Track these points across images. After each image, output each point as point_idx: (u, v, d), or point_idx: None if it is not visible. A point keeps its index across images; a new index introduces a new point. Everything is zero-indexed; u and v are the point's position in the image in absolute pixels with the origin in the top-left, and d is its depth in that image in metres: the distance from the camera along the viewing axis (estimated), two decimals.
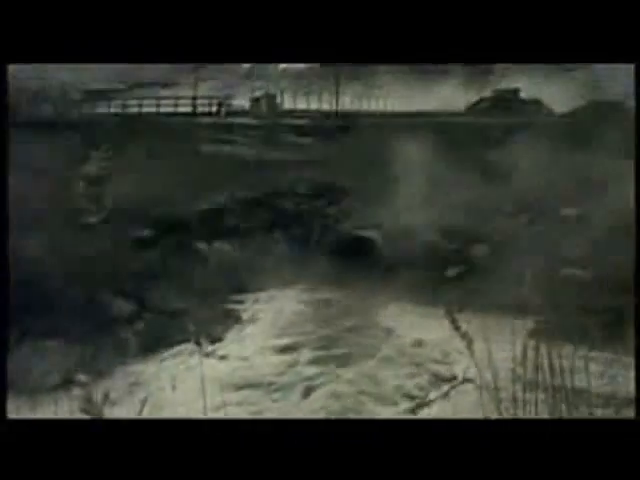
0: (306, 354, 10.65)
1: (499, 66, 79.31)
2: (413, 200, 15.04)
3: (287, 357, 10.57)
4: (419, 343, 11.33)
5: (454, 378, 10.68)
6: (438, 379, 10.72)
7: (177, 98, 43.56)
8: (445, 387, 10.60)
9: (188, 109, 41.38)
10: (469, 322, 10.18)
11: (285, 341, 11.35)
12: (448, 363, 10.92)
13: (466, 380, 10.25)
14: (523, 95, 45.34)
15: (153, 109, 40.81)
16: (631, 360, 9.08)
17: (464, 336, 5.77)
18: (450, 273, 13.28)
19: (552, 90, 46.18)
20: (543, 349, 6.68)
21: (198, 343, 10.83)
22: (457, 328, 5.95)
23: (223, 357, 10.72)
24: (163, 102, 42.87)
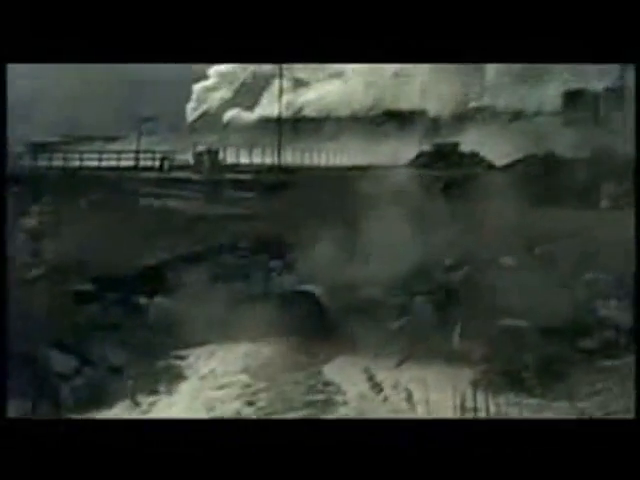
0: (245, 410, 10.56)
1: (443, 122, 79.93)
2: (354, 253, 15.13)
3: (221, 412, 10.46)
4: (362, 396, 11.32)
5: None
6: None
7: (119, 152, 43.49)
8: None
9: (130, 163, 41.29)
10: (410, 374, 10.22)
11: (221, 394, 11.26)
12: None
13: None
14: (463, 148, 46.08)
15: (95, 163, 40.65)
16: (562, 405, 9.21)
17: (380, 391, 5.82)
18: (394, 326, 13.34)
19: (491, 143, 46.95)
20: (480, 397, 6.76)
21: (135, 400, 10.70)
22: (374, 386, 6.02)
23: (160, 413, 10.57)
24: (105, 156, 42.75)
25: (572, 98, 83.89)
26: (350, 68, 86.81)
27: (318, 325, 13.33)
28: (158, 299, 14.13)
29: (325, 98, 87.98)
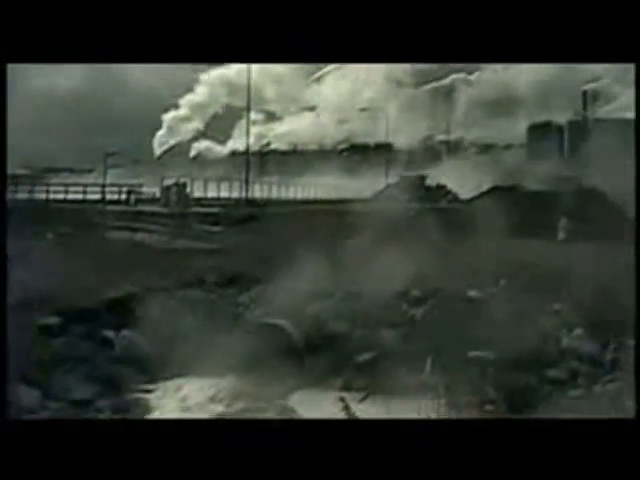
0: None
1: (411, 155, 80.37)
2: (322, 287, 15.17)
3: None
4: None
5: None
6: None
7: (86, 185, 43.33)
8: None
9: (97, 196, 41.16)
10: (377, 408, 10.27)
11: None
12: None
13: None
14: (429, 182, 46.45)
15: (61, 196, 40.47)
16: None
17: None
18: (360, 359, 13.36)
19: (458, 176, 47.45)
20: None
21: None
22: (350, 415, 6.05)
23: None
24: (71, 189, 42.56)
25: (537, 131, 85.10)
26: (322, 101, 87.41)
27: (286, 358, 13.32)
28: (125, 332, 14.04)
29: (296, 132, 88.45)
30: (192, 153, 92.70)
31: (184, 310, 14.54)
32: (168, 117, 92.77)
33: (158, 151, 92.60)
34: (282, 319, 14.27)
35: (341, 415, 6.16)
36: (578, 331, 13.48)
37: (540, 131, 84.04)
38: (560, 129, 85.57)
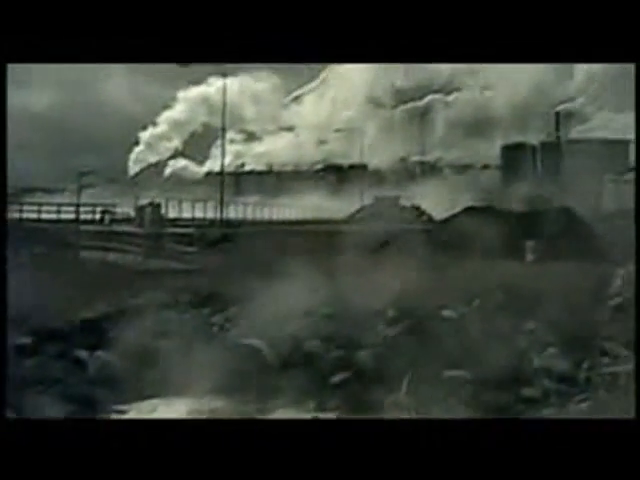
0: None
1: (385, 176, 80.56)
2: (297, 308, 15.17)
3: None
4: None
5: None
6: None
7: (60, 205, 43.11)
8: None
9: (71, 216, 40.93)
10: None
11: None
12: None
13: None
14: (404, 202, 46.64)
15: (34, 215, 40.23)
16: None
17: None
18: (335, 380, 13.35)
19: (432, 197, 47.69)
20: None
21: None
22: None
23: None
24: (45, 208, 42.33)
25: (511, 152, 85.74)
26: (300, 121, 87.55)
27: (261, 378, 13.29)
28: (98, 353, 13.95)
29: (273, 152, 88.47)
30: (167, 173, 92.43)
31: (158, 331, 14.47)
32: (146, 135, 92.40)
33: (133, 171, 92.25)
34: (257, 339, 14.25)
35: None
36: (552, 350, 13.56)
37: (513, 152, 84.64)
38: (533, 150, 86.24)
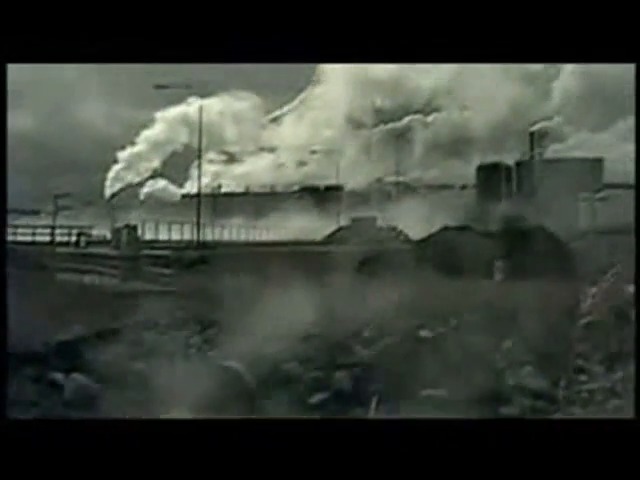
0: None
1: (362, 197, 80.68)
2: (275, 329, 15.16)
3: None
4: None
5: None
6: None
7: (35, 227, 42.89)
8: None
9: (47, 238, 40.73)
10: None
11: None
12: None
13: None
14: (380, 223, 46.78)
15: (10, 237, 39.98)
16: None
17: None
18: (313, 400, 13.34)
19: (409, 217, 47.86)
20: None
21: None
22: None
23: None
24: (20, 231, 42.11)
25: (486, 172, 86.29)
26: (280, 142, 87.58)
27: (239, 400, 13.25)
28: (74, 375, 13.85)
29: (253, 173, 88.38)
30: (144, 194, 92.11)
31: (136, 353, 14.41)
32: (123, 156, 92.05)
33: (109, 192, 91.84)
34: (236, 361, 14.22)
35: None
36: (528, 368, 13.64)
37: (489, 172, 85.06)
38: (508, 169, 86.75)
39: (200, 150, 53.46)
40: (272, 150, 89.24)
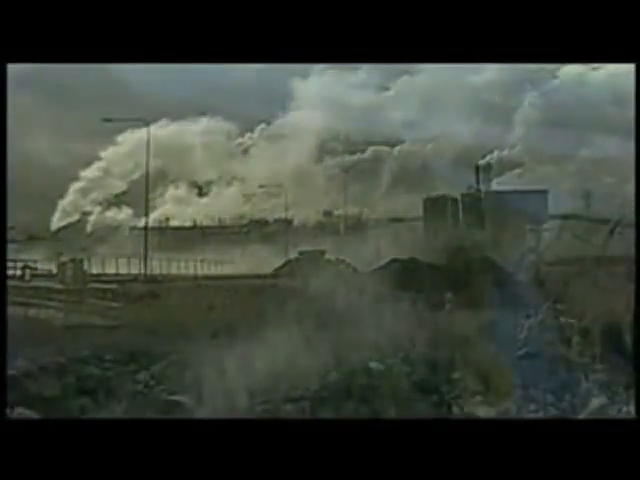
0: None
1: (309, 230, 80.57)
2: (227, 363, 15.04)
3: None
4: None
5: None
6: None
7: None
8: None
9: None
10: None
11: None
12: None
13: None
14: (329, 256, 46.79)
15: None
16: None
17: None
18: None
19: (356, 250, 47.90)
20: None
21: None
22: None
23: None
24: None
25: (433, 204, 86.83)
26: (225, 177, 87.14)
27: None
28: (19, 410, 13.60)
29: (200, 207, 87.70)
30: (91, 227, 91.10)
31: (81, 387, 14.19)
32: (70, 189, 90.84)
33: (55, 226, 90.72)
34: (183, 396, 14.07)
35: None
36: (478, 398, 13.73)
37: (435, 204, 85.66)
38: (455, 201, 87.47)
39: (147, 180, 53.01)
40: (237, 181, 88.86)
